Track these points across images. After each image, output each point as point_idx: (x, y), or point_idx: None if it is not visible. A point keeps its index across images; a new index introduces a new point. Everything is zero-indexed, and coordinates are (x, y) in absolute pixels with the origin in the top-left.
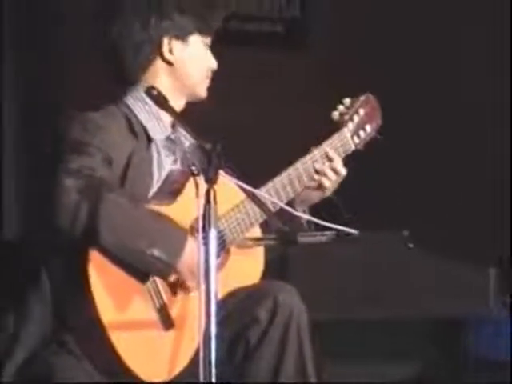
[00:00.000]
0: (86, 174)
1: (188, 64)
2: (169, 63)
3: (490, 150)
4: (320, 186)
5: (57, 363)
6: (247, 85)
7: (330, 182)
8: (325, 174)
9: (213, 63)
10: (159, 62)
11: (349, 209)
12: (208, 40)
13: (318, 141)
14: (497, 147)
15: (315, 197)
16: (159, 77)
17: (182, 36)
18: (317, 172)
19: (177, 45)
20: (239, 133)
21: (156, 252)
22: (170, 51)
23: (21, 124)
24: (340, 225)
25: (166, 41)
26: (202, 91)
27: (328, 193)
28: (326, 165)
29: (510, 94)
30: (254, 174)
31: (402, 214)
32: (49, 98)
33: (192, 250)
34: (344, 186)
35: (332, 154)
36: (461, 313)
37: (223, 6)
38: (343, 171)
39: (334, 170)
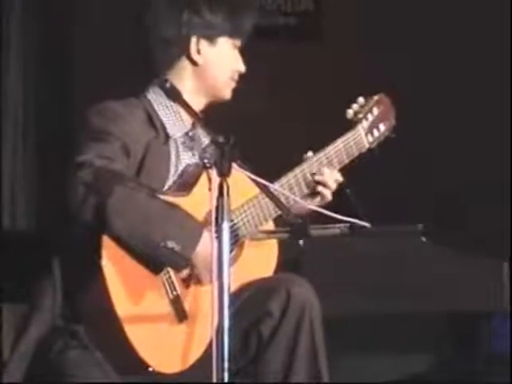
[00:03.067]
0: (102, 162)
1: (214, 66)
2: (195, 63)
3: (505, 143)
4: (320, 196)
5: (69, 356)
6: (260, 78)
7: (331, 192)
8: (326, 185)
9: (240, 66)
10: (185, 61)
11: (362, 202)
12: (238, 42)
13: (332, 137)
14: None
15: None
16: (184, 75)
17: (211, 36)
18: (317, 183)
19: (205, 45)
20: (252, 126)
21: (170, 244)
22: (198, 51)
23: (38, 113)
24: (353, 218)
25: (194, 40)
26: (225, 93)
27: (327, 200)
28: (326, 175)
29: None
30: (269, 167)
31: (417, 208)
32: (69, 87)
33: (207, 243)
34: (358, 179)
35: (333, 161)
36: (475, 307)
37: (255, 10)
38: (340, 179)
39: (336, 180)
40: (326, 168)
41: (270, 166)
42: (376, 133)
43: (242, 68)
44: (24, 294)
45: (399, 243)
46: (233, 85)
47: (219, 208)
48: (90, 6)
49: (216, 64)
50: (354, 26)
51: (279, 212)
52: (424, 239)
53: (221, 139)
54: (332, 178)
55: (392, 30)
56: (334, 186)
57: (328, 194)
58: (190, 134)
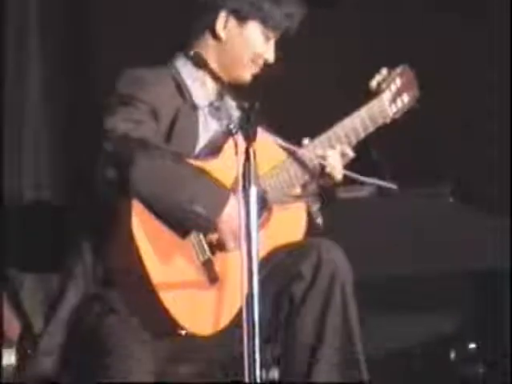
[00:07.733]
0: (128, 127)
1: (237, 45)
2: (218, 38)
3: None
4: (329, 177)
5: (103, 322)
6: (280, 43)
7: (340, 172)
8: (334, 167)
9: (269, 55)
10: (211, 33)
11: (389, 165)
12: (272, 34)
13: (356, 106)
14: None
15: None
16: (207, 48)
17: (241, 17)
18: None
19: (233, 23)
20: (274, 92)
21: (197, 207)
22: (224, 26)
23: (65, 82)
24: (380, 180)
25: (223, 14)
26: (245, 75)
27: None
28: (334, 156)
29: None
30: (291, 132)
31: (443, 169)
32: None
33: (234, 208)
34: (385, 141)
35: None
36: (501, 266)
37: (299, 13)
38: (351, 154)
39: (343, 156)
40: (329, 150)
41: (298, 131)
42: (399, 103)
43: (271, 58)
44: (53, 262)
45: (426, 204)
46: (255, 69)
47: (246, 173)
48: None
49: (239, 44)
50: None
51: (306, 178)
52: (452, 200)
53: (246, 104)
54: (335, 159)
55: None
56: (339, 165)
57: (338, 176)
58: (216, 104)
